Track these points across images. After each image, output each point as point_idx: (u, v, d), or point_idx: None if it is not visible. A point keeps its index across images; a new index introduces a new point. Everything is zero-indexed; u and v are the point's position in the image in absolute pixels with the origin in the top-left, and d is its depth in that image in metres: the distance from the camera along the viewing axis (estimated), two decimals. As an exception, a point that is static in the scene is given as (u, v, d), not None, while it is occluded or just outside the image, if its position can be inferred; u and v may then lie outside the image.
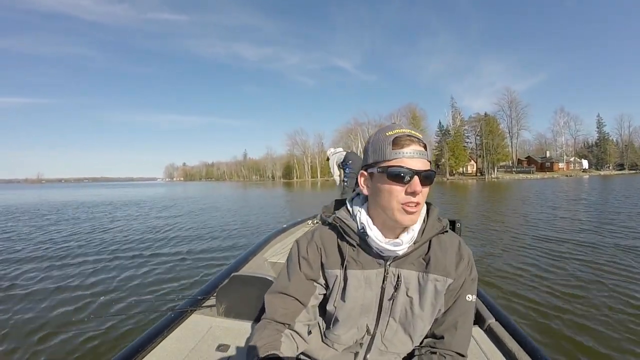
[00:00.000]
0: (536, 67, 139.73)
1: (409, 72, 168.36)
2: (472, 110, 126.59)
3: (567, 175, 56.97)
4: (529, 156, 71.27)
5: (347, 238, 0.91)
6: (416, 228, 0.89)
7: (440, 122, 69.15)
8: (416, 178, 0.79)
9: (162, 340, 1.70)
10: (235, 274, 2.17)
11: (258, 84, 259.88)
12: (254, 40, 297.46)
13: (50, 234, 8.83)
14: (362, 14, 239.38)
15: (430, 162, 0.84)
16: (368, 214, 0.91)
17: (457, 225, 2.34)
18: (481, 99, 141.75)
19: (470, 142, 66.89)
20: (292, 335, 0.89)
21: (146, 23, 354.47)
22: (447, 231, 0.93)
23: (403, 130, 0.82)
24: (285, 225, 4.37)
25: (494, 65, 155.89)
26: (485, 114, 64.93)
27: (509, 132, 67.61)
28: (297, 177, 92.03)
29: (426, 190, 0.83)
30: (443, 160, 63.85)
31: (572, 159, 66.45)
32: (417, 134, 0.82)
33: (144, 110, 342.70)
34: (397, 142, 0.81)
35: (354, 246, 0.91)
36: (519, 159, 69.68)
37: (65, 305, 3.79)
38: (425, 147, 0.82)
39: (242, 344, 1.67)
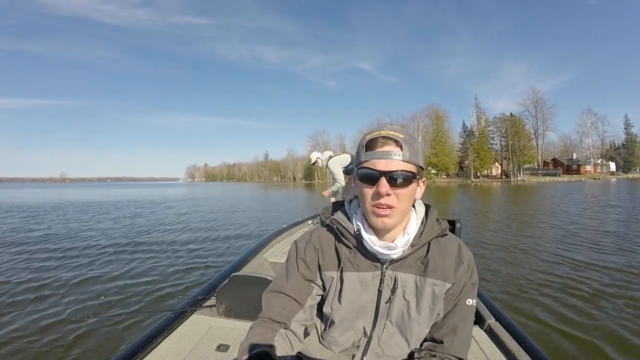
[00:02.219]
0: (560, 67, 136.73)
1: (431, 73, 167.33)
2: (494, 111, 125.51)
3: (594, 179, 56.46)
4: (554, 158, 70.02)
5: (344, 240, 0.92)
6: (412, 231, 0.88)
7: (464, 123, 69.00)
8: (382, 179, 0.79)
9: (162, 340, 1.72)
10: (236, 274, 2.19)
11: (280, 86, 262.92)
12: (276, 43, 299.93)
13: (50, 233, 8.79)
14: (383, 16, 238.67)
15: (409, 162, 0.80)
16: (363, 216, 0.90)
17: (457, 225, 2.31)
18: (503, 100, 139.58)
19: (495, 144, 66.33)
20: (287, 335, 0.88)
21: (170, 27, 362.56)
22: (446, 234, 0.93)
23: (380, 132, 0.82)
24: (285, 226, 4.41)
25: (516, 66, 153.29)
26: (511, 114, 64.43)
27: (535, 134, 66.70)
28: (318, 179, 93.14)
29: (402, 192, 0.81)
30: (467, 162, 63.45)
31: (599, 161, 65.21)
32: (396, 134, 0.81)
33: (166, 111, 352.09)
34: (370, 144, 0.82)
35: (351, 248, 0.91)
36: (544, 161, 68.62)
37: (65, 305, 3.80)
38: (401, 147, 0.80)
39: None
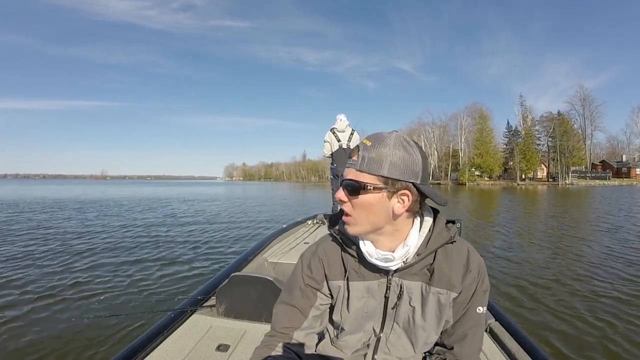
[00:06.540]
0: (605, 63, 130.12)
1: (470, 73, 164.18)
2: (536, 110, 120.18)
3: (645, 183, 53.99)
4: (603, 160, 66.99)
5: (348, 250, 0.92)
6: (411, 243, 0.85)
7: (508, 122, 66.74)
8: (341, 187, 0.82)
9: (162, 340, 1.73)
10: (236, 274, 2.21)
11: (318, 87, 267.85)
12: (315, 45, 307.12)
13: (48, 231, 8.73)
14: (422, 15, 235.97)
15: (363, 172, 0.78)
16: None
17: (457, 225, 2.20)
18: (545, 100, 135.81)
19: (542, 144, 63.45)
20: (288, 347, 0.93)
21: (210, 30, 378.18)
22: (454, 241, 0.89)
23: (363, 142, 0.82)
24: (285, 225, 4.41)
25: (558, 63, 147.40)
26: (559, 112, 61.60)
27: (583, 133, 63.67)
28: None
29: (357, 201, 0.80)
30: (511, 163, 61.66)
31: (649, 164, 61.97)
32: (365, 142, 0.80)
33: (206, 112, 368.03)
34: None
35: (356, 257, 0.91)
36: (592, 164, 65.59)
37: (64, 304, 3.77)
38: (358, 156, 0.79)
39: (242, 344, 1.68)
